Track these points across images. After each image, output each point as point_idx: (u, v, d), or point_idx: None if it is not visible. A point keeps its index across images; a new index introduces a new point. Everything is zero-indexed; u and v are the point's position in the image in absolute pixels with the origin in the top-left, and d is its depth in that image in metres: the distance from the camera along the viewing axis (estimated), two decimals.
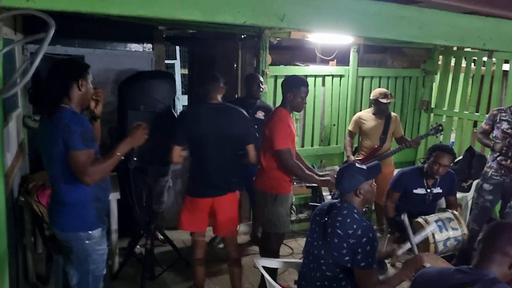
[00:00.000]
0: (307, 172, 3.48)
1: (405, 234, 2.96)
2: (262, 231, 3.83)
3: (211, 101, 3.21)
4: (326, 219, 2.51)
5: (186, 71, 8.31)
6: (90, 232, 2.48)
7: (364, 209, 3.76)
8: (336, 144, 5.31)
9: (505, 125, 4.02)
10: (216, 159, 3.19)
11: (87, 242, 2.48)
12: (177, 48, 8.33)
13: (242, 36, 4.78)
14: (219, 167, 3.21)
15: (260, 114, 4.18)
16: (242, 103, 4.00)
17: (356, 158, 4.61)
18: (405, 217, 3.00)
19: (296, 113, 4.96)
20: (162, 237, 4.28)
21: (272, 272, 3.50)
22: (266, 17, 1.75)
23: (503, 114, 4.08)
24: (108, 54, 4.26)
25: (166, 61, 8.40)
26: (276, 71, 4.76)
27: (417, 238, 2.90)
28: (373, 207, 5.11)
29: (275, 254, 3.63)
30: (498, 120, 4.09)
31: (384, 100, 4.44)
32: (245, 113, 3.30)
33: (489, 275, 1.79)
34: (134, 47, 4.45)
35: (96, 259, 2.54)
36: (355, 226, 2.40)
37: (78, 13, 1.59)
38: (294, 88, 3.37)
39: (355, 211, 2.48)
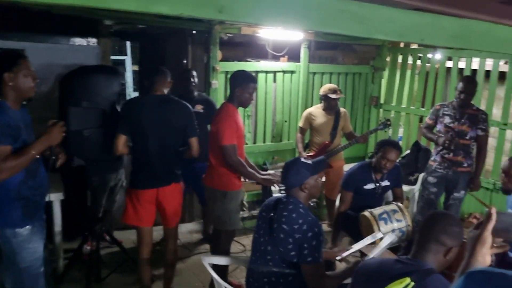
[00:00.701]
0: (249, 169, 3.47)
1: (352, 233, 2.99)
2: (213, 228, 3.79)
3: (155, 93, 3.18)
4: (272, 214, 2.50)
5: (137, 68, 8.13)
6: (16, 230, 2.42)
7: (312, 204, 3.80)
8: (288, 140, 5.34)
9: (447, 120, 4.16)
10: (159, 150, 3.17)
11: (13, 240, 2.42)
12: (128, 44, 8.13)
13: (193, 32, 4.71)
14: (161, 158, 3.19)
15: (198, 108, 4.11)
16: (180, 98, 3.97)
17: (307, 154, 4.64)
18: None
19: (247, 109, 4.95)
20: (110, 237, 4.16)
21: (223, 269, 3.47)
22: (203, 9, 1.69)
23: (446, 109, 4.21)
24: (50, 48, 4.07)
25: (117, 57, 8.22)
26: (227, 67, 4.72)
27: (364, 243, 2.93)
28: (324, 203, 5.15)
29: (226, 251, 3.60)
30: (441, 115, 4.22)
31: (333, 96, 4.49)
32: (189, 106, 3.27)
33: (425, 265, 1.83)
34: (78, 41, 4.28)
35: (25, 258, 2.47)
36: (300, 221, 2.40)
37: (15, 3, 1.50)
38: (242, 83, 3.34)
39: (301, 205, 2.48)
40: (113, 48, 8.54)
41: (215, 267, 3.44)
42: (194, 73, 4.29)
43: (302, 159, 2.63)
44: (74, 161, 3.11)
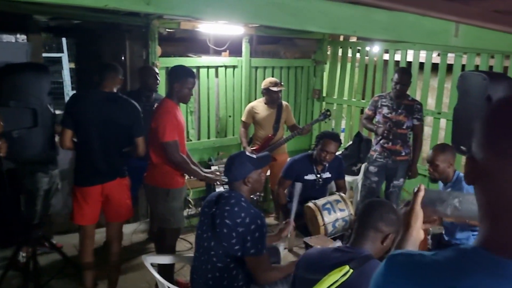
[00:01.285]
0: (193, 166, 3.43)
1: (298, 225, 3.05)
2: (157, 227, 3.73)
3: (104, 89, 3.16)
4: (214, 210, 2.48)
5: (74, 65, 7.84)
6: None
7: (255, 198, 3.81)
8: (233, 135, 5.32)
9: (385, 110, 4.29)
10: (102, 147, 3.14)
11: None
12: (64, 40, 7.81)
13: (130, 27, 4.58)
14: (105, 155, 3.16)
15: None
16: (137, 96, 3.88)
17: (251, 148, 4.64)
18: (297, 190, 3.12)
19: (190, 105, 4.90)
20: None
21: (169, 268, 3.42)
22: (130, 1, 1.64)
23: (384, 100, 4.34)
24: None
25: (52, 55, 7.88)
26: (168, 62, 4.63)
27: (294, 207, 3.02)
28: (271, 196, 5.19)
29: (171, 250, 3.54)
30: (379, 106, 4.35)
31: (274, 88, 4.51)
32: (136, 105, 3.25)
33: (363, 252, 1.88)
34: (5, 37, 4.06)
35: None
36: (243, 214, 2.39)
37: None
38: (181, 78, 3.28)
39: (243, 199, 2.47)
40: (50, 45, 8.19)
41: (161, 266, 3.39)
42: (157, 70, 4.22)
43: (247, 153, 2.63)
44: (4, 164, 2.94)
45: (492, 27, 2.86)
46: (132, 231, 4.70)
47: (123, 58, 4.56)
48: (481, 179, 0.79)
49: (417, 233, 1.28)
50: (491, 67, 4.57)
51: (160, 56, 4.61)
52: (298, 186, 3.19)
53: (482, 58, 4.62)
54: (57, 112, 3.57)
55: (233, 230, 2.37)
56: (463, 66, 4.74)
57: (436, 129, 5.04)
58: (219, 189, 4.30)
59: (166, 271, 3.41)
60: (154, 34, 4.48)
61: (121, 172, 3.29)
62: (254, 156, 2.60)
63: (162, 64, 4.56)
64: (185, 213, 4.42)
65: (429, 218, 1.41)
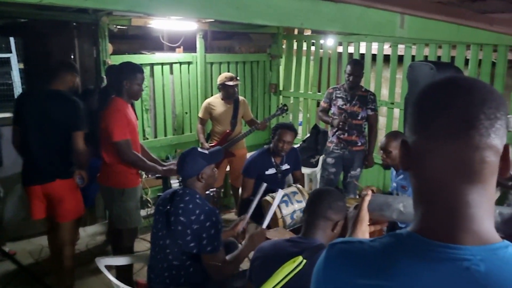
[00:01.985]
0: (149, 163, 3.38)
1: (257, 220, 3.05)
2: (114, 228, 3.65)
3: (52, 87, 3.16)
4: (168, 207, 2.45)
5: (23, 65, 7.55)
6: None
7: (212, 194, 3.79)
8: (191, 132, 5.27)
9: (340, 102, 4.35)
10: (40, 145, 3.13)
11: None
12: (12, 40, 7.51)
13: (77, 24, 4.45)
14: (44, 153, 3.14)
15: None
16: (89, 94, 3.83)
17: (210, 145, 4.61)
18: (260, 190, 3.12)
19: (145, 103, 4.82)
20: None
21: (127, 269, 3.37)
22: None
23: (338, 92, 4.41)
24: None
25: (0, 55, 7.57)
26: (120, 60, 4.45)
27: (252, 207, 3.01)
28: (231, 192, 5.18)
29: (129, 251, 3.48)
30: (334, 98, 4.41)
31: (230, 83, 4.50)
32: (77, 101, 3.20)
33: (315, 242, 1.90)
34: None
35: None
36: (197, 211, 2.38)
37: None
38: (130, 75, 3.22)
39: (197, 196, 2.45)
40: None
41: (120, 268, 3.33)
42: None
43: (199, 149, 2.60)
44: None
45: (436, 18, 2.95)
46: (90, 234, 4.60)
47: (72, 56, 4.43)
48: (414, 163, 0.80)
49: (363, 235, 1.33)
50: (439, 57, 4.72)
51: (112, 54, 4.50)
52: (263, 187, 3.17)
53: (431, 49, 4.75)
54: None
55: (188, 227, 2.35)
56: (413, 57, 4.87)
57: (390, 119, 5.16)
58: (176, 185, 4.26)
59: (124, 272, 3.36)
60: (104, 31, 4.37)
61: (63, 174, 3.21)
62: (206, 151, 2.58)
63: (114, 62, 4.45)
64: (144, 213, 4.36)
65: (378, 220, 1.46)
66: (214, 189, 3.96)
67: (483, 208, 0.75)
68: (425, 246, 0.75)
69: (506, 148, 0.76)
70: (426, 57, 4.80)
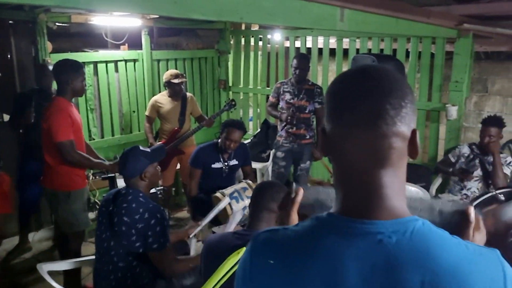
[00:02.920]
0: (94, 160, 3.29)
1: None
2: (60, 232, 3.54)
3: None
4: (111, 208, 2.39)
5: None
6: None
7: (159, 193, 3.73)
8: (139, 131, 5.17)
9: (288, 96, 4.39)
10: None
11: None
12: None
13: (14, 22, 4.26)
14: None
15: None
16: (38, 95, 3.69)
17: (158, 143, 4.54)
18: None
19: (90, 103, 4.68)
20: None
21: (75, 274, 3.27)
22: None
23: (285, 86, 4.44)
24: None
25: None
26: (60, 59, 4.36)
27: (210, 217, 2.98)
28: (183, 190, 5.12)
29: (77, 255, 3.38)
30: (282, 92, 4.45)
31: (175, 81, 4.44)
32: None
33: None
34: None
35: None
36: (141, 210, 2.33)
37: None
38: (72, 72, 3.12)
39: (141, 195, 2.40)
40: None
41: (67, 273, 3.23)
42: (50, 67, 3.98)
43: (141, 147, 2.55)
44: None
45: (375, 11, 3.03)
46: (37, 240, 4.42)
47: (9, 56, 4.23)
48: (331, 150, 0.84)
49: None
50: (382, 50, 4.85)
51: (52, 52, 4.34)
52: (225, 200, 3.14)
53: (373, 42, 4.88)
54: None
55: (132, 227, 2.30)
56: (357, 50, 4.98)
57: None
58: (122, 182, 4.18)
59: (72, 277, 3.26)
60: (42, 29, 4.19)
61: None
62: (148, 149, 2.54)
63: (54, 61, 4.28)
64: (92, 215, 4.24)
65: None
66: (161, 187, 3.91)
67: (395, 188, 0.80)
68: (344, 223, 0.79)
69: (413, 132, 0.81)
70: (369, 50, 4.93)
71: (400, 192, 0.81)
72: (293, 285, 0.78)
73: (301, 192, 1.09)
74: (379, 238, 0.75)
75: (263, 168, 5.30)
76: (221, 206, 3.07)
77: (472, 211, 1.00)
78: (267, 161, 5.31)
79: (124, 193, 2.41)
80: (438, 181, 4.31)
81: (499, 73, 5.78)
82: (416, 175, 4.34)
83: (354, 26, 2.99)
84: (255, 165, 5.01)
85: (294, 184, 1.35)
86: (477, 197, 2.83)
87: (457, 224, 1.01)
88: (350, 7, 2.82)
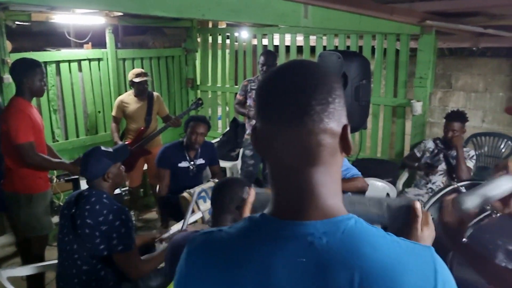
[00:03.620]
0: (55, 160, 3.21)
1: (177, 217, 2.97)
2: (22, 237, 3.43)
3: None
4: (74, 210, 2.33)
5: None
6: None
7: (123, 193, 3.67)
8: (105, 131, 5.06)
9: (255, 94, 4.37)
10: None
11: None
12: None
13: None
14: None
15: None
16: None
17: (125, 143, 4.46)
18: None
19: (53, 103, 4.55)
20: None
21: (39, 279, 3.19)
22: None
23: (253, 84, 4.44)
24: None
25: None
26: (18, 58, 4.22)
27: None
28: (151, 191, 5.05)
29: (40, 259, 3.28)
30: (249, 90, 4.44)
31: (137, 79, 4.37)
32: None
33: None
34: None
35: None
36: (105, 211, 2.27)
37: None
38: (30, 71, 3.03)
39: (105, 196, 2.35)
40: None
41: (30, 279, 3.14)
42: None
43: (102, 148, 2.49)
44: None
45: (338, 8, 3.05)
46: None
47: None
48: (262, 148, 0.82)
49: None
50: (348, 47, 4.89)
51: (12, 52, 4.20)
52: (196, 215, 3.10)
53: (340, 39, 4.92)
54: None
55: (95, 229, 2.24)
56: (324, 47, 5.01)
57: None
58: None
59: (36, 283, 3.18)
60: (1, 28, 4.05)
61: None
62: (110, 149, 2.48)
63: (13, 61, 4.14)
64: (57, 219, 4.13)
65: None
66: (126, 188, 3.84)
67: (327, 186, 0.78)
68: (275, 225, 0.77)
69: (344, 128, 0.79)
70: (336, 47, 4.96)
71: (334, 190, 0.79)
72: None
73: (252, 193, 1.08)
74: (309, 240, 0.74)
75: (232, 167, 5.28)
76: (190, 208, 3.02)
77: (418, 206, 1.00)
78: (237, 159, 5.29)
79: (87, 195, 2.34)
80: (404, 176, 4.38)
81: (462, 69, 5.92)
82: (383, 170, 4.40)
83: (318, 23, 3.00)
84: (224, 164, 4.99)
85: (246, 187, 1.33)
86: (440, 190, 2.90)
87: (405, 219, 1.02)
88: (314, 3, 2.82)
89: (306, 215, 0.76)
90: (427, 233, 0.99)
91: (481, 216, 2.49)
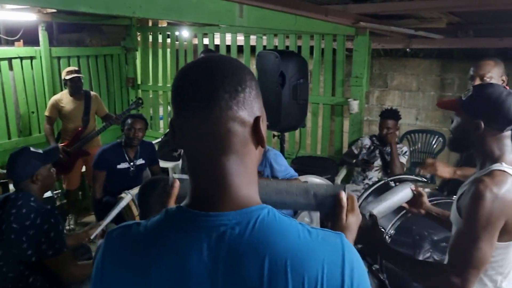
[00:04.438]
0: None
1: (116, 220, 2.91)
2: None
3: None
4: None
5: None
6: None
7: (55, 197, 3.55)
8: (40, 133, 4.85)
9: None
10: None
11: None
12: None
13: None
14: None
15: None
16: None
17: (61, 145, 4.31)
18: None
19: None
20: None
21: None
22: None
23: None
24: None
25: None
26: None
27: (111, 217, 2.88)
28: (90, 193, 4.90)
29: None
30: None
31: (68, 77, 4.25)
32: None
33: None
34: None
35: None
36: (32, 215, 2.19)
37: None
38: None
39: (32, 199, 2.25)
40: None
41: None
42: None
43: (31, 149, 2.39)
44: None
45: (274, 8, 3.09)
46: None
47: None
48: (178, 140, 0.82)
49: None
50: (287, 47, 4.97)
51: None
52: (127, 198, 3.02)
53: (279, 39, 4.99)
54: None
55: (22, 234, 2.15)
56: (264, 46, 5.06)
57: None
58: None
59: None
60: None
61: None
62: (40, 150, 2.39)
63: None
64: None
65: None
66: (59, 191, 3.72)
67: (241, 177, 0.79)
68: (190, 217, 0.78)
69: (256, 120, 0.80)
70: (276, 46, 5.03)
71: (248, 181, 0.80)
72: (140, 284, 0.77)
73: (177, 184, 1.07)
74: (222, 231, 0.75)
75: (174, 166, 5.21)
76: (122, 204, 2.96)
77: (343, 195, 1.04)
78: (179, 159, 5.23)
79: (13, 198, 2.24)
80: (343, 173, 4.50)
81: (397, 69, 6.17)
82: (322, 167, 4.51)
83: (253, 22, 3.03)
84: (166, 164, 4.92)
85: (170, 176, 1.32)
86: (372, 185, 3.01)
87: (331, 207, 1.05)
88: (248, 3, 2.84)
89: (220, 205, 0.77)
90: (352, 220, 1.02)
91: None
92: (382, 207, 1.66)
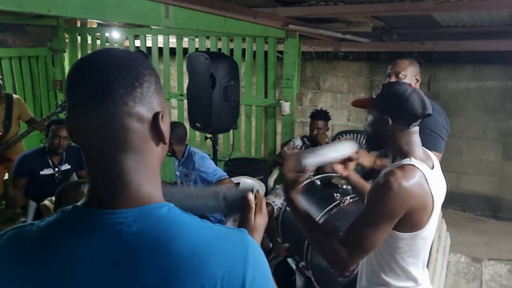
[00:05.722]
0: None
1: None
2: None
3: None
4: None
5: None
6: None
7: None
8: None
9: None
10: None
11: None
12: None
13: None
14: None
15: None
16: None
17: None
18: None
19: None
20: None
21: None
22: None
23: None
24: None
25: None
26: None
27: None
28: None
29: None
30: None
31: None
32: None
33: None
34: None
35: None
36: None
37: None
38: None
39: None
40: None
41: None
42: None
43: None
44: None
45: (201, 9, 3.08)
46: None
47: None
48: (76, 135, 0.79)
49: None
50: (219, 49, 4.98)
51: None
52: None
53: (211, 41, 4.99)
54: None
55: None
56: (197, 49, 5.04)
57: (181, 110, 5.27)
58: None
59: None
60: None
61: None
62: None
63: None
64: None
65: None
66: None
67: (140, 174, 0.77)
68: (85, 216, 0.75)
69: (155, 116, 0.78)
70: (208, 49, 5.02)
71: (149, 178, 0.79)
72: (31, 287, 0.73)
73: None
74: (118, 229, 0.73)
75: None
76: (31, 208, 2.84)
77: (251, 197, 1.06)
78: None
79: None
80: (276, 173, 4.56)
81: (329, 72, 6.34)
82: (256, 168, 4.55)
83: (180, 23, 3.00)
84: None
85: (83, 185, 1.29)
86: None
87: (240, 208, 1.07)
88: (174, 4, 2.82)
89: (117, 203, 0.75)
90: (260, 220, 1.05)
91: (331, 206, 2.70)
92: (317, 158, 1.64)
